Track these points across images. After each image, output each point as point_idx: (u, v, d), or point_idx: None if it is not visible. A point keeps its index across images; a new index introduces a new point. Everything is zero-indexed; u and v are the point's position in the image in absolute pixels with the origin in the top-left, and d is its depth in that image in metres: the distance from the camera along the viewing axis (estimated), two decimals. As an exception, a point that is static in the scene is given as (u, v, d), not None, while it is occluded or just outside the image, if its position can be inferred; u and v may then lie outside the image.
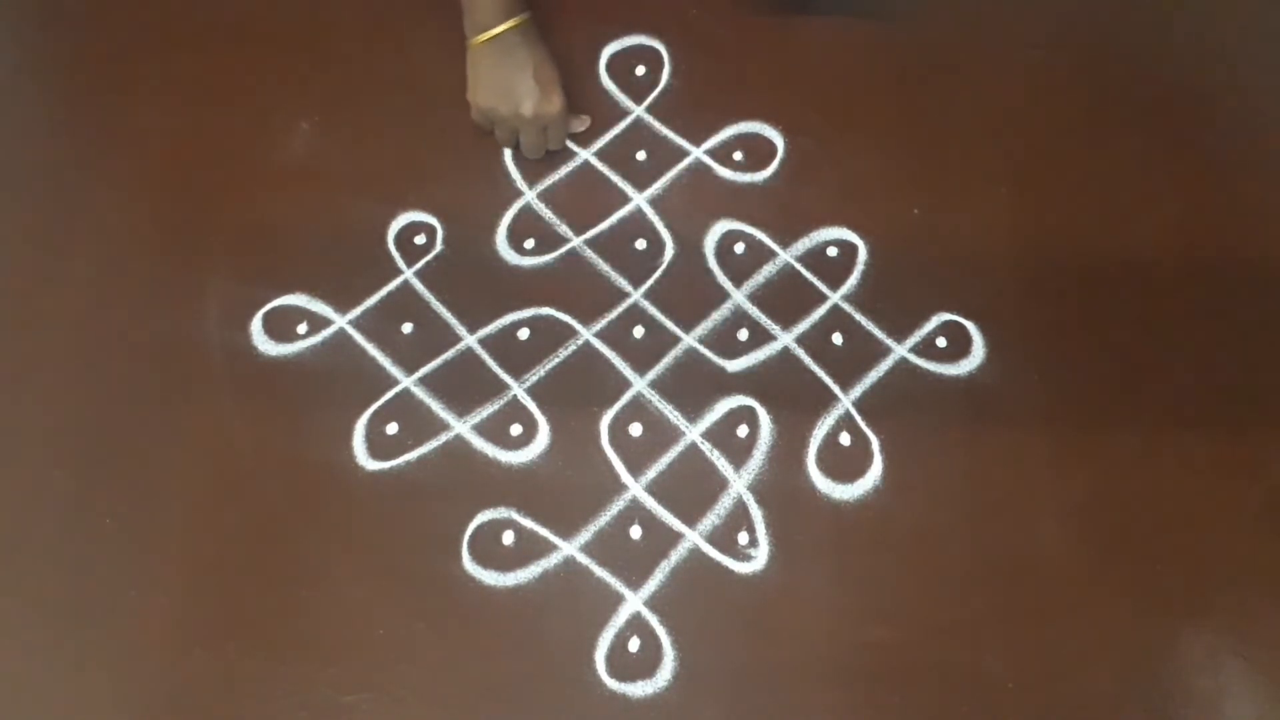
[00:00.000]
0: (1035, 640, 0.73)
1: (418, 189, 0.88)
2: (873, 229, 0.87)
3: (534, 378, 0.81)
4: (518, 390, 0.81)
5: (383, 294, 0.85)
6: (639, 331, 0.83)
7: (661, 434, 0.80)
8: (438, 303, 0.84)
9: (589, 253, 0.86)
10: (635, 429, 0.80)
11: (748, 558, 0.76)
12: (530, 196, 0.88)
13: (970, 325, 0.83)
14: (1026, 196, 0.89)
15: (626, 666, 0.73)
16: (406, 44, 0.95)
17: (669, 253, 0.86)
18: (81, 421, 0.80)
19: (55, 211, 0.88)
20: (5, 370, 0.82)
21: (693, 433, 0.80)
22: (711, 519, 0.77)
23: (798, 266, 0.86)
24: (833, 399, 0.81)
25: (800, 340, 0.83)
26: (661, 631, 0.74)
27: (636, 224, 0.88)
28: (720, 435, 0.80)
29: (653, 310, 0.84)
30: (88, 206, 0.88)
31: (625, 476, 0.78)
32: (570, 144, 0.90)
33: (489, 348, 0.83)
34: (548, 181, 0.89)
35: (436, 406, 0.80)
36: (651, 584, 0.75)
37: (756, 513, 0.77)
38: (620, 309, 0.84)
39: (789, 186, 0.89)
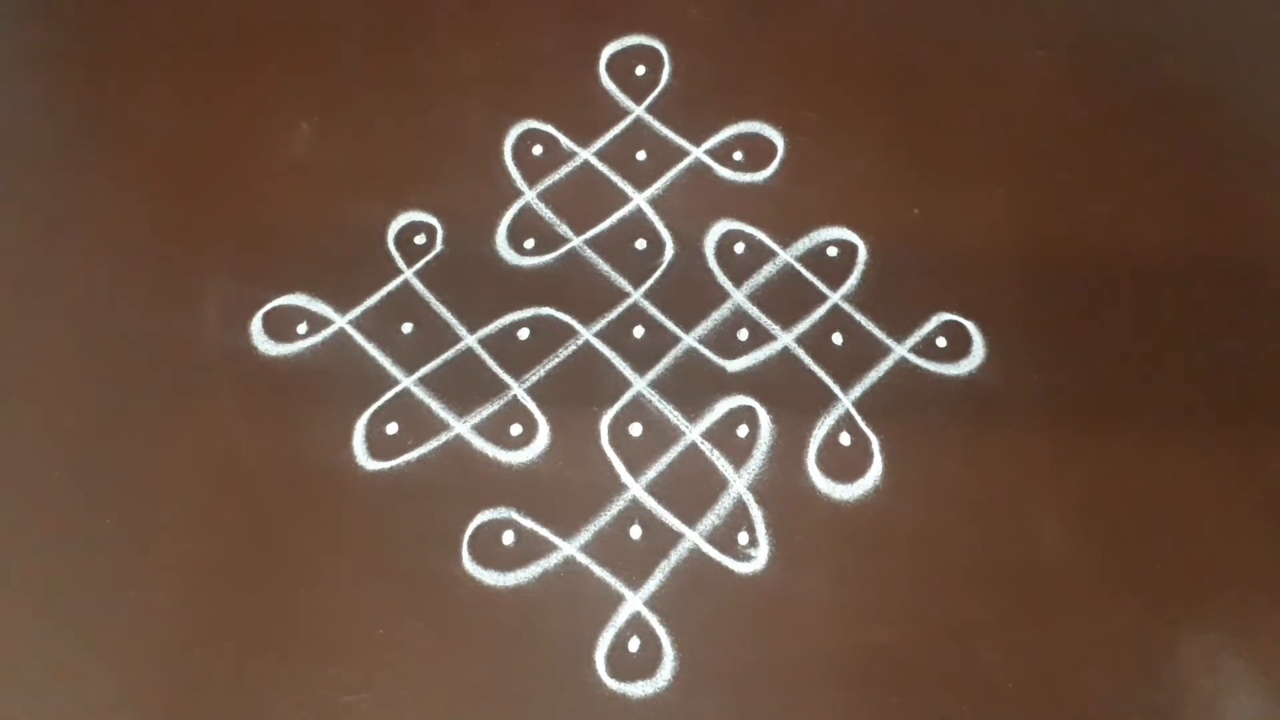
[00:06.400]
0: (1035, 640, 0.73)
1: (418, 189, 0.88)
2: (873, 229, 0.87)
3: (534, 378, 0.81)
4: (518, 390, 0.81)
5: (383, 294, 0.85)
6: (639, 331, 0.83)
7: (661, 434, 0.80)
8: (438, 303, 0.84)
9: (589, 253, 0.86)
10: (635, 429, 0.80)
11: (748, 558, 0.76)
12: (530, 196, 0.88)
13: (970, 325, 0.83)
14: (1026, 196, 0.88)
15: (626, 666, 0.73)
16: (406, 43, 0.95)
17: (669, 253, 0.86)
18: (81, 421, 0.80)
19: (55, 211, 0.88)
20: (5, 369, 0.82)
21: (693, 433, 0.80)
22: (711, 519, 0.77)
23: (798, 266, 0.86)
24: (833, 399, 0.81)
25: (800, 340, 0.83)
26: (661, 631, 0.74)
27: (636, 224, 0.88)
28: (720, 435, 0.80)
29: (653, 310, 0.84)
30: (88, 206, 0.88)
31: (625, 476, 0.78)
32: (570, 144, 0.90)
33: (489, 348, 0.83)
34: (548, 181, 0.89)
35: (436, 406, 0.80)
36: (651, 584, 0.75)
37: (756, 513, 0.77)
38: (620, 309, 0.84)
39: (789, 186, 0.89)
